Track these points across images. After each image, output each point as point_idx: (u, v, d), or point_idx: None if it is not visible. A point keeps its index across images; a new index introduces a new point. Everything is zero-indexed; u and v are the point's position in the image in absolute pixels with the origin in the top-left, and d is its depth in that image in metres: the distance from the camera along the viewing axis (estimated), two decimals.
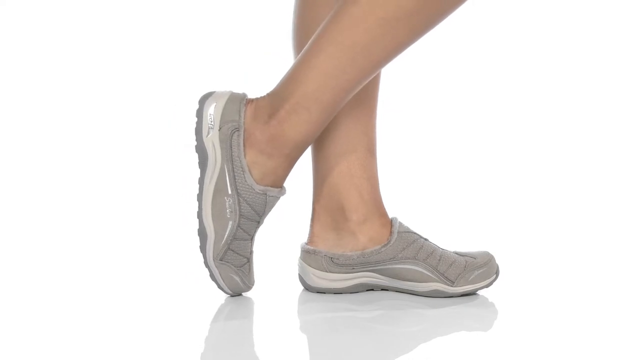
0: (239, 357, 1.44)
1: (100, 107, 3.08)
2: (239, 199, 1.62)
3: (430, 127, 3.03)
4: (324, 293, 1.71)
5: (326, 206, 1.72)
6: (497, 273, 1.71)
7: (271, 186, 1.63)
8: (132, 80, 3.15)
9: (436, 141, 2.96)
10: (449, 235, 1.96)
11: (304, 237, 1.76)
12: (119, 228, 2.21)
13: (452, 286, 1.68)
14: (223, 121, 1.62)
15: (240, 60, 3.08)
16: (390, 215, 1.75)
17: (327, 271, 1.70)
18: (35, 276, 1.83)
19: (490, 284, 1.70)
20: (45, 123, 3.00)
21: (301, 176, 1.73)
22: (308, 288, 1.72)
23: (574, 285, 1.78)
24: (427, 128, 3.03)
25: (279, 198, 1.64)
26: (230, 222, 1.62)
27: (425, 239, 1.71)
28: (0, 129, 2.98)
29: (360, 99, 1.70)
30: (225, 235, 1.63)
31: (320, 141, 1.71)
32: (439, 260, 1.69)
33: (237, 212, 1.62)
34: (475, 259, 1.70)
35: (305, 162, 1.71)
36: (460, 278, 1.68)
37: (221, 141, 1.62)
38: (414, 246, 1.69)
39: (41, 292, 1.74)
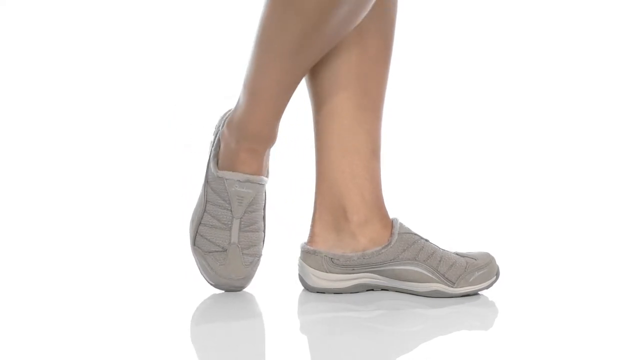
0: (239, 358, 1.44)
1: (100, 107, 3.08)
2: (206, 185, 1.71)
3: (432, 128, 3.03)
4: (324, 293, 1.71)
5: (327, 206, 1.72)
6: (497, 274, 1.70)
7: (227, 170, 1.69)
8: (132, 80, 3.15)
9: (438, 142, 2.96)
10: (450, 236, 1.96)
11: (304, 237, 1.76)
12: (119, 228, 2.21)
13: (452, 287, 1.68)
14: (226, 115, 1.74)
15: (240, 61, 3.07)
16: (392, 215, 1.75)
17: (327, 271, 1.70)
18: (30, 273, 1.83)
19: (491, 285, 1.70)
20: (45, 123, 3.00)
21: (301, 176, 1.73)
22: (308, 288, 1.72)
23: (574, 286, 1.78)
24: (428, 129, 3.03)
25: (235, 182, 1.68)
26: (199, 208, 1.71)
27: (426, 240, 1.71)
28: (0, 129, 2.98)
29: (366, 101, 1.70)
30: (196, 220, 1.71)
31: (323, 141, 1.71)
32: (440, 261, 1.68)
33: (205, 198, 1.70)
34: (476, 260, 1.70)
35: (306, 162, 1.71)
36: (460, 279, 1.68)
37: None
38: (414, 247, 1.69)
39: (35, 290, 1.74)
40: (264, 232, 1.74)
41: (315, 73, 1.69)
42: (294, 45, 1.58)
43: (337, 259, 1.70)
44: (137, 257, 1.97)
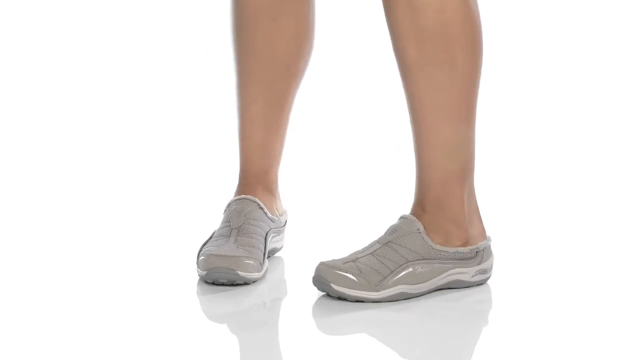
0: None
1: (100, 107, 3.08)
2: None
3: None
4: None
5: None
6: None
7: None
8: (132, 80, 3.16)
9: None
10: None
11: (312, 237, 1.78)
12: (117, 227, 2.20)
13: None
14: None
15: None
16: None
17: None
18: (30, 273, 1.84)
19: None
20: (46, 123, 3.00)
21: (311, 176, 1.73)
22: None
23: (573, 283, 1.78)
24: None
25: (233, 203, 1.83)
26: None
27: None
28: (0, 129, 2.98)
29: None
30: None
31: None
32: None
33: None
34: None
35: (302, 165, 1.70)
36: None
37: None
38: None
39: (35, 290, 1.74)
40: (264, 253, 1.76)
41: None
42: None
43: None
44: (133, 258, 1.95)
